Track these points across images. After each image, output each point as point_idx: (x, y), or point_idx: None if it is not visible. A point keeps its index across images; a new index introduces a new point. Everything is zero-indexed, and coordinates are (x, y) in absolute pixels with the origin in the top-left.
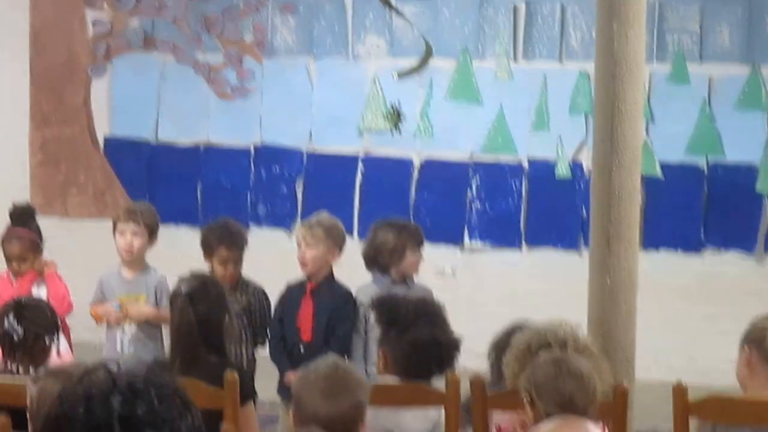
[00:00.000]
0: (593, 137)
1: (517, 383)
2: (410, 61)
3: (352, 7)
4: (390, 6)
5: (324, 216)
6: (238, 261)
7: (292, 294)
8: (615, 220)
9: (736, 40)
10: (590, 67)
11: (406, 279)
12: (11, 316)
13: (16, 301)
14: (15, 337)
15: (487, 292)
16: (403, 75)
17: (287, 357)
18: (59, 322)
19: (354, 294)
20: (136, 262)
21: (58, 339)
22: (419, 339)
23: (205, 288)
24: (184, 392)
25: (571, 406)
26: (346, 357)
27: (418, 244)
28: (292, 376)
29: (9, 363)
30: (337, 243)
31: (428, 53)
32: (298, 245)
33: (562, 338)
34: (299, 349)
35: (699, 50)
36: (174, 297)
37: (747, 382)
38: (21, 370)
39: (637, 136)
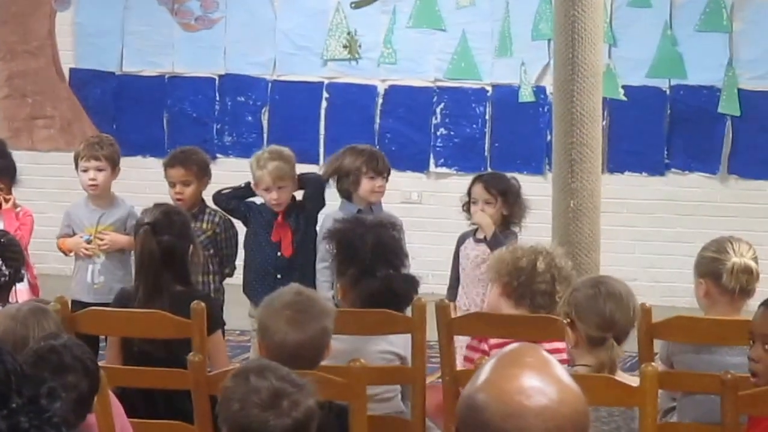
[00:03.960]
0: (554, 62)
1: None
2: None
3: None
4: None
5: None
6: (193, 183)
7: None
8: (577, 143)
9: None
10: None
11: (371, 206)
12: None
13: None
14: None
15: (453, 217)
16: (359, 5)
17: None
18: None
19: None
20: (103, 195)
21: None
22: (376, 288)
23: (168, 218)
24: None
25: (611, 326)
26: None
27: (375, 170)
28: None
29: None
30: (295, 170)
31: None
32: (266, 190)
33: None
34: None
35: None
36: (137, 227)
37: (707, 310)
38: None
39: (598, 60)
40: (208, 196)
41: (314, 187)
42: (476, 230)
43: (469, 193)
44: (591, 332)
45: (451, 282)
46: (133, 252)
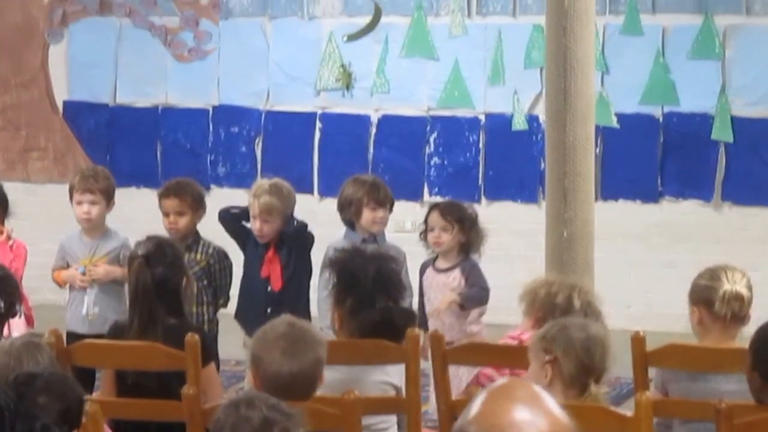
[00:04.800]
0: (546, 91)
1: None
2: (365, 20)
3: None
4: None
5: (274, 186)
6: (187, 214)
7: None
8: (570, 173)
9: None
10: (544, 20)
11: (375, 236)
12: None
13: None
14: None
15: None
16: (352, 38)
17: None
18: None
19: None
20: (97, 227)
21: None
22: (374, 319)
23: (162, 250)
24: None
25: (592, 368)
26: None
27: (377, 201)
28: None
29: None
30: (288, 208)
31: (377, 16)
32: (254, 217)
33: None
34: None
35: (652, 1)
36: (131, 260)
37: (701, 337)
38: None
39: (590, 89)
40: (201, 227)
41: (295, 242)
42: (436, 258)
43: (425, 222)
44: (573, 371)
45: (418, 311)
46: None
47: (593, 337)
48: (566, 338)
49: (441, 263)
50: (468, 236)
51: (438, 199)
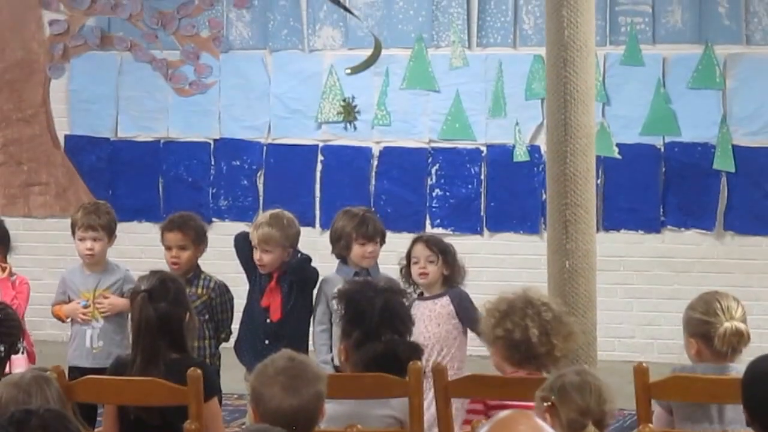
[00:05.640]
0: (546, 122)
1: (506, 340)
2: (366, 52)
3: (306, 0)
4: (339, 4)
5: (274, 216)
6: (189, 248)
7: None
8: (571, 204)
9: (688, 20)
10: (544, 51)
11: (368, 269)
12: None
13: None
14: None
15: None
16: (354, 71)
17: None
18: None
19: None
20: (98, 261)
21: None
22: (379, 352)
23: (164, 285)
24: None
25: (588, 411)
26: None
27: (365, 236)
28: None
29: None
30: (288, 239)
31: (378, 49)
32: (254, 247)
33: (540, 297)
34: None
35: (652, 31)
36: (133, 295)
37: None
38: None
39: (590, 120)
40: (203, 262)
41: (297, 275)
42: (420, 294)
43: (408, 255)
44: (571, 416)
45: None
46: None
47: (587, 381)
48: (561, 384)
49: (426, 293)
50: (452, 269)
51: (440, 231)
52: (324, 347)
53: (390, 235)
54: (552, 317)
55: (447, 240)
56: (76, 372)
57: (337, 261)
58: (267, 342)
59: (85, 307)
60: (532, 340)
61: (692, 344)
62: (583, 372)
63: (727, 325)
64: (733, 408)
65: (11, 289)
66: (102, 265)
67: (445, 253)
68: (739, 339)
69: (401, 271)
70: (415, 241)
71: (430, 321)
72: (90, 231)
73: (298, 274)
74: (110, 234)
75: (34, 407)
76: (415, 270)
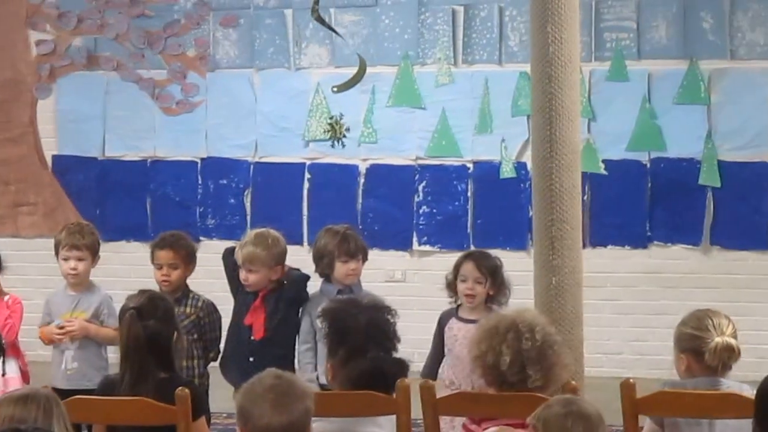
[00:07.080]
0: (532, 139)
1: (480, 361)
2: (352, 70)
3: (292, 19)
4: (324, 24)
5: (258, 236)
6: (180, 267)
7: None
8: (558, 221)
9: (673, 35)
10: (530, 68)
11: (351, 287)
12: None
13: None
14: None
15: (437, 295)
16: (340, 90)
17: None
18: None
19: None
20: (81, 282)
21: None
22: (365, 369)
23: (153, 303)
24: None
25: None
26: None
27: (348, 254)
28: None
29: None
30: (274, 258)
31: (362, 68)
32: (240, 266)
33: (529, 323)
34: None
35: (637, 47)
36: (122, 313)
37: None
38: None
39: (576, 136)
40: (191, 280)
41: (294, 288)
42: (459, 307)
43: (456, 269)
44: None
45: (431, 361)
46: (102, 342)
47: (574, 412)
48: (545, 417)
49: (467, 314)
50: (498, 289)
51: (427, 248)
52: (309, 365)
53: (378, 253)
54: (531, 347)
55: (433, 257)
56: (58, 393)
57: (320, 280)
58: (252, 359)
59: (60, 327)
60: (501, 368)
61: (683, 360)
62: (569, 403)
63: (718, 340)
64: (722, 423)
65: (5, 309)
66: (84, 284)
67: (494, 275)
68: (730, 354)
69: (447, 284)
70: (465, 258)
71: (455, 343)
72: (74, 251)
73: (294, 288)
74: (94, 254)
75: (23, 426)
76: (461, 288)
